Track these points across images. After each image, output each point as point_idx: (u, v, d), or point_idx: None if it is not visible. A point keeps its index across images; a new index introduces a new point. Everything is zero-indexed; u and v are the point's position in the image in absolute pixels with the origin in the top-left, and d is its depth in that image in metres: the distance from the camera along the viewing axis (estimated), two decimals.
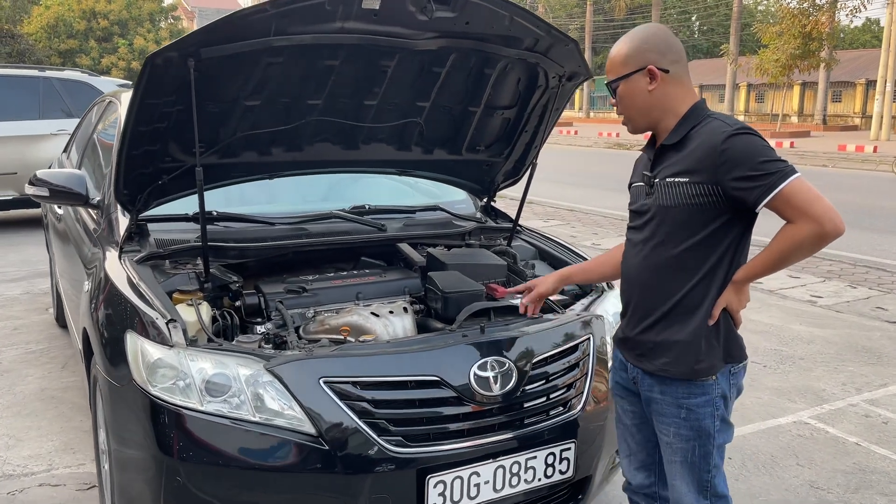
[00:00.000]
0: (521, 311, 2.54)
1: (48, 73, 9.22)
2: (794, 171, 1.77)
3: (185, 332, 2.23)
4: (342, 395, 2.16)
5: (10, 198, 8.65)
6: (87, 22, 30.73)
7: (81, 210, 3.54)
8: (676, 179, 1.89)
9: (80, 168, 4.30)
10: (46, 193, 3.20)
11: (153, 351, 2.22)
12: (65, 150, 5.39)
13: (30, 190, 3.23)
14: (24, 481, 3.17)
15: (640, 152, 2.13)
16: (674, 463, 2.03)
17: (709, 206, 1.86)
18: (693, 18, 56.01)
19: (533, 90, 3.05)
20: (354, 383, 2.18)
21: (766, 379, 4.50)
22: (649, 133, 2.06)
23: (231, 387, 2.17)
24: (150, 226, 2.93)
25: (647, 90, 1.93)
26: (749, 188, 1.79)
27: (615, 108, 2.02)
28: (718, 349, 1.93)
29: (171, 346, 2.20)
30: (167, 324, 2.22)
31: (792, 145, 23.98)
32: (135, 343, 2.27)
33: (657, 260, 1.96)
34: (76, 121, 5.69)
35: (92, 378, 2.71)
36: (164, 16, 34.29)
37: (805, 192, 1.77)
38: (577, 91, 2.88)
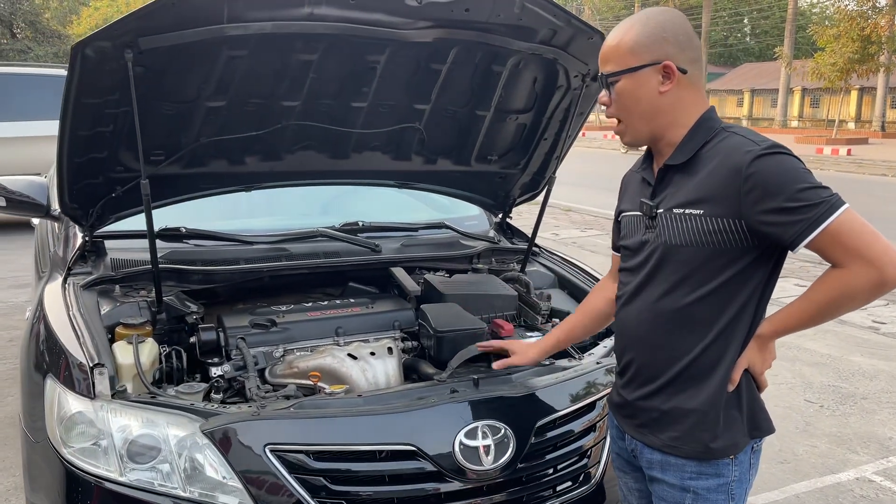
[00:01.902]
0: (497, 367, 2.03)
1: None
2: (842, 202, 1.41)
3: (112, 379, 1.84)
4: (292, 468, 1.74)
5: None
6: None
7: (48, 221, 3.21)
8: (686, 211, 1.51)
9: None
10: (3, 203, 2.86)
11: (72, 403, 1.83)
12: None
13: None
14: None
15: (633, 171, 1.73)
16: None
17: (728, 246, 1.48)
18: (745, 21, 54.53)
19: (551, 91, 2.61)
20: (308, 452, 1.76)
21: (823, 423, 3.95)
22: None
23: (161, 450, 1.77)
24: (108, 243, 2.57)
25: (658, 91, 1.53)
26: (785, 223, 1.41)
27: (606, 108, 1.60)
28: (741, 421, 1.56)
29: (93, 398, 1.81)
30: (92, 369, 1.83)
31: (849, 153, 23.02)
32: (53, 391, 1.89)
33: (662, 312, 1.56)
34: None
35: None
36: None
37: (859, 229, 1.41)
38: None
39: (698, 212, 1.49)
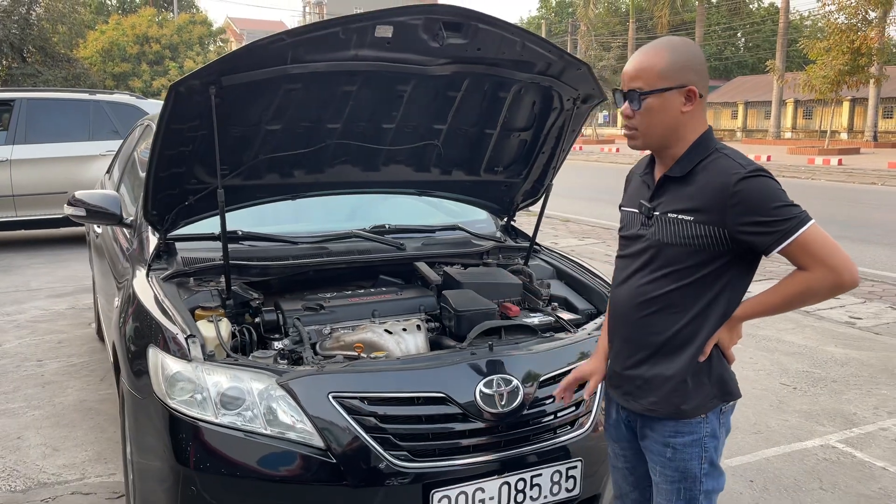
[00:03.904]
0: (558, 399, 2.23)
1: (98, 97, 9.58)
2: (809, 218, 1.71)
3: (203, 347, 2.33)
4: (350, 410, 2.22)
5: (62, 216, 8.98)
6: (140, 46, 31.70)
7: (117, 229, 3.71)
8: (680, 217, 1.81)
9: (119, 188, 4.49)
10: (83, 213, 3.36)
11: (172, 364, 2.32)
12: (108, 171, 5.61)
13: (68, 210, 3.40)
14: (57, 489, 3.30)
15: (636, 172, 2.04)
16: None
17: (710, 247, 1.78)
18: (738, 34, 55.34)
19: (548, 112, 3.11)
20: (362, 398, 2.25)
21: (795, 402, 4.43)
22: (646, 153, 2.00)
23: (245, 400, 2.25)
24: (178, 244, 3.06)
25: (681, 111, 1.81)
26: (762, 233, 1.72)
27: (628, 117, 1.85)
28: (709, 387, 1.86)
29: (190, 361, 2.29)
30: (186, 339, 2.33)
31: (840, 163, 23.42)
32: (156, 357, 2.37)
33: (649, 295, 1.87)
34: None
35: (121, 391, 2.83)
36: (213, 39, 35.16)
37: (822, 241, 1.71)
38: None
39: (690, 218, 1.78)
